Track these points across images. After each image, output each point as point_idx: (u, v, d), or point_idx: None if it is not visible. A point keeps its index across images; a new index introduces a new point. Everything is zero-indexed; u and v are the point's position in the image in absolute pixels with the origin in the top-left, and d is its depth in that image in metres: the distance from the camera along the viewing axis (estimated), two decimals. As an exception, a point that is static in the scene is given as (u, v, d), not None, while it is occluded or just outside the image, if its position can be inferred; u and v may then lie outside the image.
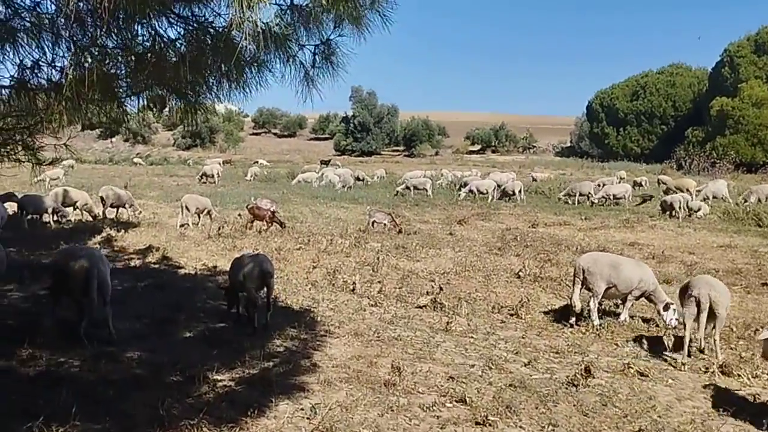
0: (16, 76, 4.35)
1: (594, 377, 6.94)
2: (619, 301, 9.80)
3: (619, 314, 9.59)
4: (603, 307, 9.76)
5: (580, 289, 9.10)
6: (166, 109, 5.81)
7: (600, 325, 9.09)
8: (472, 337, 8.60)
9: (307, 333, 8.28)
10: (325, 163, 48.57)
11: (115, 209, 18.33)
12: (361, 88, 71.74)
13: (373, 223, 17.26)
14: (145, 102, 5.62)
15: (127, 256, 13.16)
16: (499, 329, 9.08)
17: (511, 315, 9.76)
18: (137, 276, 11.19)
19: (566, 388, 6.73)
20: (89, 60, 3.87)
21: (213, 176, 32.89)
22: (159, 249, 13.71)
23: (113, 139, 69.97)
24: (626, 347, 8.38)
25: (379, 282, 11.54)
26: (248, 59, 4.64)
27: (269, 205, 17.61)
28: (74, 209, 17.74)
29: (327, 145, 75.44)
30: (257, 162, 47.98)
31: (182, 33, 4.34)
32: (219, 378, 6.50)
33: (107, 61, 4.21)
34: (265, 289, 8.50)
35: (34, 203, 16.40)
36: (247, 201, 21.35)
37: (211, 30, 4.31)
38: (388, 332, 8.58)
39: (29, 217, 16.32)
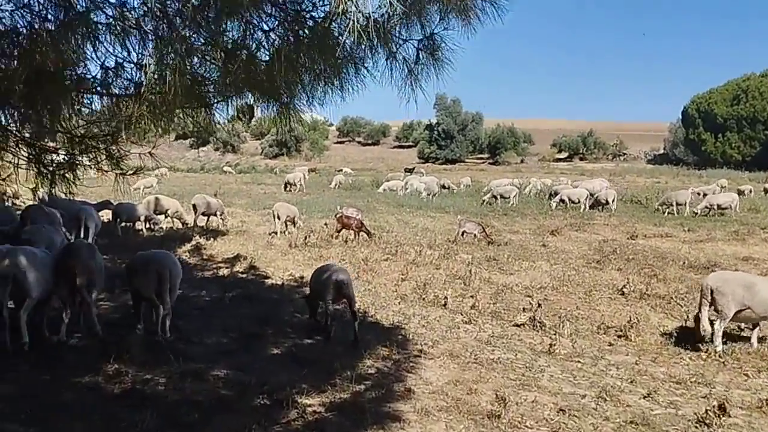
0: (99, 77, 4.06)
1: (729, 415, 6.08)
2: (743, 324, 8.83)
3: (745, 338, 8.61)
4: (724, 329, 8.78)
5: (708, 310, 8.18)
6: (254, 118, 5.49)
7: (724, 351, 8.14)
8: (579, 362, 7.83)
9: (399, 353, 7.75)
10: (410, 171, 48.18)
11: (206, 217, 18.47)
12: (445, 96, 71.03)
13: (462, 233, 16.61)
14: (234, 110, 5.31)
15: (216, 265, 13.06)
16: (607, 353, 8.27)
17: (620, 337, 8.92)
18: (225, 286, 11.00)
19: (696, 427, 5.90)
20: (172, 56, 3.48)
21: (296, 184, 33.05)
22: (246, 258, 13.58)
23: (204, 148, 72.05)
24: (759, 378, 7.41)
25: (472, 296, 10.92)
26: (346, 56, 4.16)
27: (355, 214, 17.30)
28: (165, 217, 17.98)
29: (410, 153, 75.09)
30: (341, 170, 48.16)
31: (276, 25, 3.92)
32: (308, 402, 6.05)
33: (193, 58, 3.82)
34: (346, 300, 8.28)
35: (128, 211, 16.68)
36: (332, 209, 21.22)
37: (309, 22, 3.86)
38: (486, 353, 7.94)
39: (123, 224, 16.60)
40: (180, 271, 8.07)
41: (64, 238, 11.32)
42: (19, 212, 13.29)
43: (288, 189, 32.76)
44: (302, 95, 4.54)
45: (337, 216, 16.75)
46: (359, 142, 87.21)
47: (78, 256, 7.48)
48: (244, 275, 12.29)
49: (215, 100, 4.65)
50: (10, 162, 5.51)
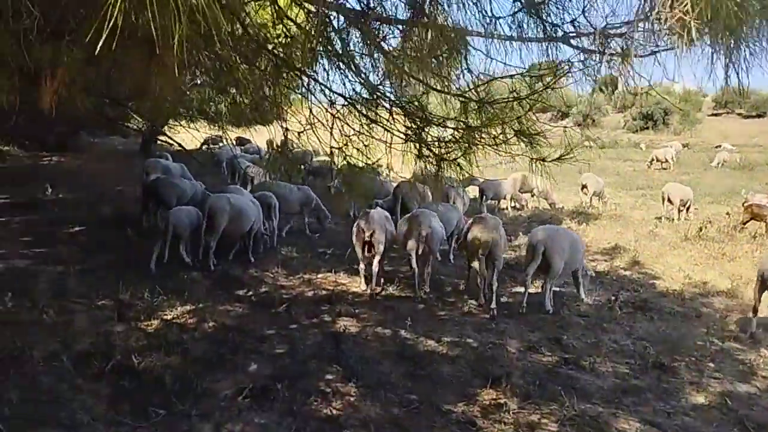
0: None
1: None
2: None
3: None
4: None
5: None
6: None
7: None
8: None
9: None
10: (813, 148, 39.73)
11: (595, 198, 16.87)
12: None
13: None
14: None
15: (591, 256, 11.16)
16: None
17: None
18: (606, 286, 9.12)
19: None
20: None
21: (668, 161, 29.06)
22: (627, 250, 11.48)
23: (563, 122, 70.09)
24: None
25: None
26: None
27: (766, 202, 13.77)
28: (531, 196, 16.67)
29: (809, 126, 62.76)
30: (719, 146, 41.72)
31: None
32: None
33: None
34: None
35: (494, 188, 15.73)
36: (724, 194, 17.90)
37: None
38: None
39: (488, 201, 15.68)
40: (562, 245, 7.71)
41: (461, 215, 10.74)
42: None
43: (657, 167, 28.94)
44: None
45: (745, 204, 13.43)
46: (739, 114, 76.10)
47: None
48: (628, 273, 10.23)
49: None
50: (378, 139, 4.25)
